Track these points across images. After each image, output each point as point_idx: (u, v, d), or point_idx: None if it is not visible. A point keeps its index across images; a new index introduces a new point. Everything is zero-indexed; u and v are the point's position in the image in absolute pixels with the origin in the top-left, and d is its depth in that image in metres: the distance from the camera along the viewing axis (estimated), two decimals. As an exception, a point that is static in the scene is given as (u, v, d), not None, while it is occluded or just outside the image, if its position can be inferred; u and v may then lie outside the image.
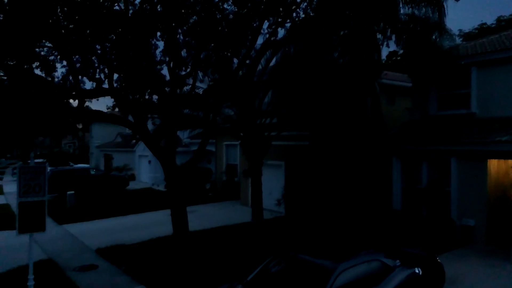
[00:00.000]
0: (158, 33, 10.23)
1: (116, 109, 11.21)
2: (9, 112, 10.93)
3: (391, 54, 42.28)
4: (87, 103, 11.15)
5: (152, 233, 13.20)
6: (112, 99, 11.16)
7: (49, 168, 25.25)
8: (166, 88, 10.59)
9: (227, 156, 22.29)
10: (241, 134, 13.25)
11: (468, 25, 68.35)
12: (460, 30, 36.78)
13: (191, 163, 9.57)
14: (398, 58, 40.65)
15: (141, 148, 30.43)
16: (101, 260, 10.76)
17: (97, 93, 9.66)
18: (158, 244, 11.96)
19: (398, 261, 6.56)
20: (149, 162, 28.99)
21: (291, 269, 6.45)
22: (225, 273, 8.64)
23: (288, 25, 11.64)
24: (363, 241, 7.87)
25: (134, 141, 34.22)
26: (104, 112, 9.61)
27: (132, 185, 27.10)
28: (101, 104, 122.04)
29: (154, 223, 15.16)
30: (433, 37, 12.68)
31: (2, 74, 10.46)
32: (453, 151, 11.81)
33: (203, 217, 16.07)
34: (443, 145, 11.98)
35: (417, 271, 6.63)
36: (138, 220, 16.21)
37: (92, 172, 25.45)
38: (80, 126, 61.81)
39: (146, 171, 30.12)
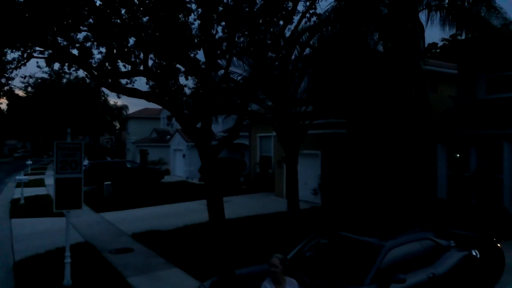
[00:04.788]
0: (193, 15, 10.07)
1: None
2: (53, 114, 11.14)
3: (430, 46, 40.74)
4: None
5: (187, 221, 13.08)
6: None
7: (87, 161, 25.89)
8: (201, 71, 10.42)
9: (260, 148, 22.01)
10: (277, 121, 12.89)
11: (513, 16, 64.67)
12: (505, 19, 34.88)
13: (225, 141, 9.30)
14: (438, 50, 39.17)
15: (176, 142, 30.70)
16: (137, 244, 10.71)
17: (132, 73, 9.61)
18: (193, 230, 11.80)
19: (452, 241, 6.00)
20: (184, 156, 29.17)
21: (333, 246, 6.03)
22: (262, 255, 8.30)
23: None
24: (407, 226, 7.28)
25: (169, 136, 34.66)
26: (139, 90, 9.55)
27: (167, 179, 27.36)
28: (136, 105, 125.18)
29: (189, 212, 15.07)
30: (482, 14, 11.87)
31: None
32: (505, 135, 10.95)
33: (237, 206, 15.84)
34: (495, 129, 11.13)
35: (474, 253, 6.03)
36: (173, 209, 16.19)
37: (128, 165, 25.86)
38: (117, 126, 63.70)
39: (180, 165, 30.34)
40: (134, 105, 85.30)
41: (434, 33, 39.46)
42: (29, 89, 44.72)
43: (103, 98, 48.23)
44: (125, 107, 59.00)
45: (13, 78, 9.71)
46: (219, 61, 11.54)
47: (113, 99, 69.68)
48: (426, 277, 5.33)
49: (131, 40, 10.73)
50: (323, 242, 6.17)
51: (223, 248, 8.91)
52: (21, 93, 44.70)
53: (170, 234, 11.51)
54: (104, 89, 48.07)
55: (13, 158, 66.30)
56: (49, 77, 37.98)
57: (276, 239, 10.10)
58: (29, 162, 37.61)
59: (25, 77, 9.95)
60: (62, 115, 43.48)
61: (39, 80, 44.19)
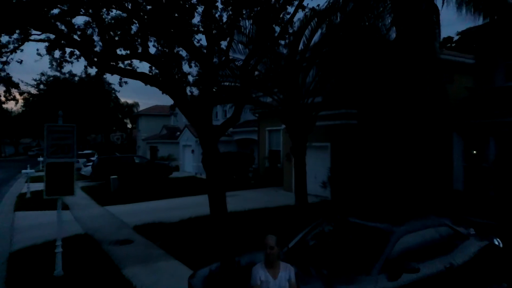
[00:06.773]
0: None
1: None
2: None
3: (445, 40, 39.75)
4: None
5: (192, 213, 12.70)
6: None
7: (96, 156, 25.72)
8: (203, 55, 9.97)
9: (269, 142, 21.52)
10: (285, 111, 12.39)
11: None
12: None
13: (227, 123, 8.77)
14: (454, 44, 38.18)
15: (185, 138, 30.41)
16: (137, 236, 10.35)
17: (131, 56, 9.22)
18: (196, 223, 11.41)
19: (472, 229, 5.42)
20: (192, 151, 28.85)
21: (340, 233, 5.50)
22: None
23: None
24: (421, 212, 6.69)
25: (178, 133, 34.37)
26: (135, 70, 9.17)
27: (176, 175, 27.06)
28: (146, 104, 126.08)
29: (195, 205, 14.67)
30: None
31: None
32: (528, 122, 10.27)
33: (244, 200, 15.39)
34: (516, 116, 10.45)
35: (496, 242, 5.44)
36: (179, 203, 15.83)
37: (137, 160, 25.59)
38: (129, 124, 63.92)
39: (189, 161, 30.05)
40: (145, 104, 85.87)
41: (449, 28, 38.48)
42: (41, 86, 44.98)
43: (113, 95, 48.30)
44: (136, 105, 59.11)
45: (8, 63, 9.39)
46: (223, 47, 11.08)
47: (123, 97, 69.87)
48: (443, 267, 4.78)
49: (134, 27, 10.38)
50: (328, 229, 5.65)
51: (224, 238, 8.44)
52: (33, 90, 45.04)
53: (172, 226, 11.14)
54: (111, 87, 48.37)
55: (28, 156, 67.06)
56: (50, 66, 37.63)
57: (281, 230, 9.59)
58: (41, 159, 37.75)
59: (22, 61, 9.62)
60: (74, 114, 43.67)
61: (51, 78, 44.49)
